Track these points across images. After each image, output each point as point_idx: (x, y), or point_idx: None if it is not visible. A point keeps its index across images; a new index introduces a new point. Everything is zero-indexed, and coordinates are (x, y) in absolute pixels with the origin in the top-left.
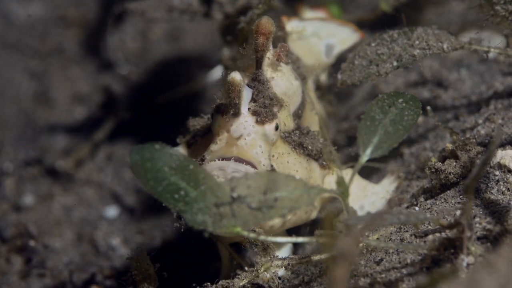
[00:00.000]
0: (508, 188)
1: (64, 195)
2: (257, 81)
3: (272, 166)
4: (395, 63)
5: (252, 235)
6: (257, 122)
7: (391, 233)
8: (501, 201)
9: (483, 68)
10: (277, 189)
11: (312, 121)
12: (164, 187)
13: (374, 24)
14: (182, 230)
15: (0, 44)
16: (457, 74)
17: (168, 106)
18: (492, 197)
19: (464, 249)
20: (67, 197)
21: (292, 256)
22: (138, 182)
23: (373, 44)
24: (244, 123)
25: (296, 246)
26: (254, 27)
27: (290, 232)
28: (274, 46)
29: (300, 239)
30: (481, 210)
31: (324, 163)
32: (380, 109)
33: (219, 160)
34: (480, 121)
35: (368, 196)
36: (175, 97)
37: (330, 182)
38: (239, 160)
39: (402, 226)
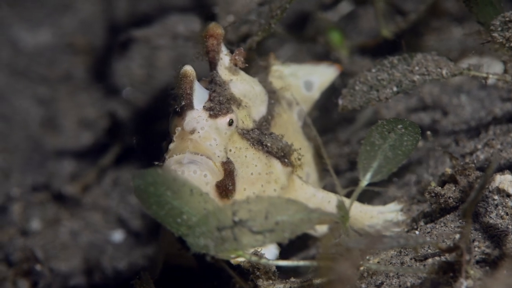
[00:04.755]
0: (507, 212)
1: (71, 220)
2: (213, 83)
3: (228, 158)
4: (395, 89)
5: (254, 258)
6: (210, 116)
7: (391, 257)
8: (499, 225)
9: (483, 94)
10: (278, 213)
11: (294, 139)
12: (166, 211)
13: (375, 50)
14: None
15: (9, 71)
16: (457, 99)
17: None
18: (491, 221)
19: (462, 273)
20: (74, 222)
21: (293, 280)
22: (142, 206)
23: (373, 70)
24: (197, 117)
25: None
26: (203, 33)
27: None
28: (255, 72)
29: (301, 263)
30: (480, 234)
31: (286, 160)
32: (379, 135)
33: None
34: (479, 146)
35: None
36: None
37: (314, 194)
38: (194, 153)
39: (402, 250)
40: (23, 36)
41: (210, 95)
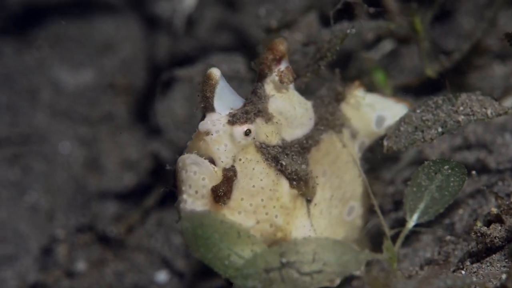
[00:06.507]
0: None
1: (115, 261)
2: (253, 94)
3: (233, 166)
4: (440, 129)
5: None
6: (228, 122)
7: None
8: None
9: None
10: (326, 254)
11: (344, 170)
12: (214, 254)
13: (418, 89)
14: None
15: (50, 112)
16: (501, 138)
17: None
18: None
19: None
20: (118, 263)
21: None
22: (188, 248)
23: (418, 111)
24: (215, 120)
25: None
26: (267, 44)
27: None
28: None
29: None
30: None
31: (295, 183)
32: (426, 176)
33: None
34: None
35: None
36: None
37: (304, 225)
38: (200, 155)
39: None
40: (65, 76)
41: (244, 104)
